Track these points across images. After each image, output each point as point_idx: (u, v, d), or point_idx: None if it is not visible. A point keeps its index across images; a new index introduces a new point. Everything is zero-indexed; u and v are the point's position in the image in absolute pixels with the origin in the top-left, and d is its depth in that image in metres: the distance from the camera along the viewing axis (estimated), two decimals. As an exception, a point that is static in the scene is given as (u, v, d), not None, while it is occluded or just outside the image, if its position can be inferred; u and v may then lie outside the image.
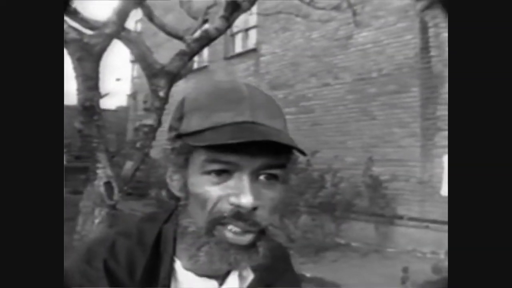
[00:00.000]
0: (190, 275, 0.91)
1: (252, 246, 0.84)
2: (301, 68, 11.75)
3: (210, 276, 0.92)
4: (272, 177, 0.84)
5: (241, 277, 0.96)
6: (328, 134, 10.73)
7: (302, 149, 0.82)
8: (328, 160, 9.61)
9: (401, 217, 8.91)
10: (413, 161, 8.83)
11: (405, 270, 5.99)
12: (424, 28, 8.80)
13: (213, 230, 0.83)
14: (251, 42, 14.11)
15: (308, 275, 7.15)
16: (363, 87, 10.01)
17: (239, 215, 0.81)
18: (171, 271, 0.90)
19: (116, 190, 4.73)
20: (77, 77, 4.67)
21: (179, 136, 0.87)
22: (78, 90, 4.70)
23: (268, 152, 0.81)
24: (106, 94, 5.27)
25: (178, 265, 0.92)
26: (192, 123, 0.84)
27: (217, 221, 0.83)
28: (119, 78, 18.74)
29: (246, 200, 0.80)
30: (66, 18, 5.26)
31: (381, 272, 7.21)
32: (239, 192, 0.81)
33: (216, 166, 0.82)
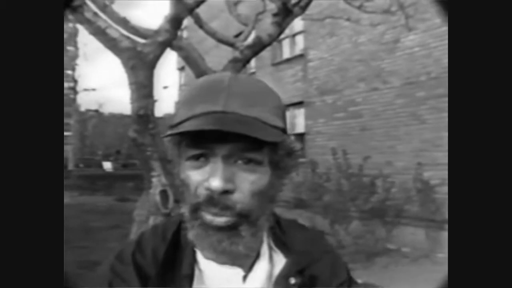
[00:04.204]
0: (212, 264, 0.95)
1: (233, 229, 0.87)
2: (349, 73, 11.72)
3: (232, 264, 0.95)
4: (251, 161, 0.88)
5: (272, 264, 0.98)
6: (377, 139, 10.67)
7: (259, 137, 0.84)
8: (379, 165, 9.54)
9: (452, 222, 8.76)
10: (464, 165, 8.66)
11: (456, 275, 5.91)
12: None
13: (195, 213, 0.89)
14: (299, 48, 14.15)
15: (359, 281, 7.11)
16: (411, 91, 9.92)
17: (211, 200, 0.86)
18: (193, 262, 0.95)
19: (171, 199, 4.70)
20: (130, 85, 4.66)
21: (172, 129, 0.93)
22: (132, 98, 4.69)
23: (240, 137, 0.83)
24: (154, 101, 5.27)
25: (199, 255, 0.96)
26: (178, 116, 0.91)
27: (195, 206, 0.88)
28: (166, 86, 19.02)
29: (215, 183, 0.84)
30: (118, 27, 5.24)
31: (431, 277, 7.11)
32: (211, 176, 0.86)
33: (194, 152, 0.88)
